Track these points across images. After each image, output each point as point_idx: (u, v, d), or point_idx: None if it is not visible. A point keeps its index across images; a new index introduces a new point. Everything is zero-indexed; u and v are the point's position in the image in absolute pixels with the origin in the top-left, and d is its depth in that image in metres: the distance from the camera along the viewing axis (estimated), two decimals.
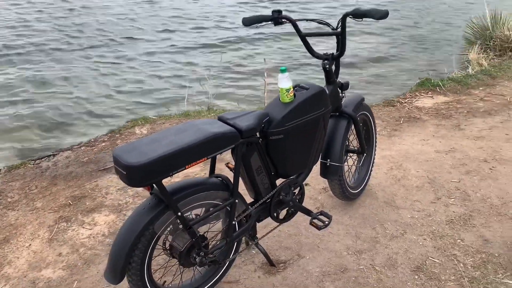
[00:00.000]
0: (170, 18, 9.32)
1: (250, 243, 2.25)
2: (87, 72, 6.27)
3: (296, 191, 2.22)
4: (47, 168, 3.34)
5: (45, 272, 2.26)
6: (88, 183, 3.09)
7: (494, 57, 6.05)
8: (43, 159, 3.50)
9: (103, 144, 3.71)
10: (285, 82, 1.95)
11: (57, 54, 7.03)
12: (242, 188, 2.02)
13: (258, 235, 2.19)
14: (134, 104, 5.23)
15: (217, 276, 2.05)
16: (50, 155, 3.57)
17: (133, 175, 1.47)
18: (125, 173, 1.47)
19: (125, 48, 7.32)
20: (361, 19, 1.99)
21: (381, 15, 1.89)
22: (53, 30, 8.39)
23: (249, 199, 2.10)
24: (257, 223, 2.13)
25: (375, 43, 7.49)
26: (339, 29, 2.11)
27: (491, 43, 6.27)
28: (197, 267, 1.92)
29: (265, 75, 4.95)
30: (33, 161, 3.48)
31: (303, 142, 2.07)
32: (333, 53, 2.20)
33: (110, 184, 3.05)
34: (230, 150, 1.79)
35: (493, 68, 5.33)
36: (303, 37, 2.23)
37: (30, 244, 2.48)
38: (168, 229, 1.73)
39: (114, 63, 6.64)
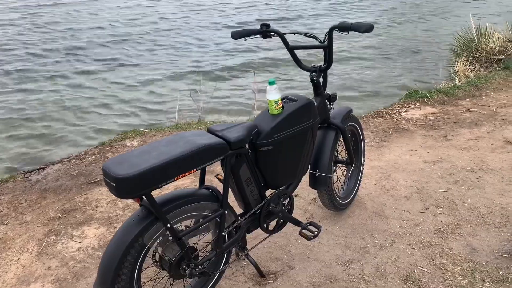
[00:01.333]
0: (160, 31, 9.37)
1: (240, 254, 2.26)
2: (77, 84, 6.27)
3: (286, 202, 2.24)
4: (37, 181, 3.33)
5: (34, 286, 2.25)
6: (78, 196, 3.08)
7: (480, 68, 6.16)
8: (32, 172, 3.49)
9: (93, 156, 3.71)
10: (273, 94, 1.98)
11: (47, 66, 7.03)
12: (231, 199, 2.03)
13: (248, 246, 2.19)
14: (124, 117, 5.24)
15: None
16: (39, 168, 3.55)
17: (122, 187, 1.48)
18: (114, 185, 1.48)
19: (116, 60, 7.34)
20: (347, 32, 2.04)
21: (366, 28, 1.94)
22: (42, 39, 8.39)
23: (238, 210, 2.11)
24: (247, 234, 2.14)
25: (363, 55, 7.59)
26: (326, 42, 2.16)
27: (477, 55, 6.40)
28: (187, 279, 1.92)
29: (255, 87, 5.00)
30: (23, 174, 3.47)
31: (292, 153, 2.09)
32: (320, 65, 2.24)
33: (100, 197, 3.04)
34: (220, 161, 1.81)
35: (479, 80, 5.42)
36: (290, 49, 2.27)
37: (19, 258, 2.47)
38: (158, 240, 1.73)
39: (105, 76, 6.65)
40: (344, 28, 2.00)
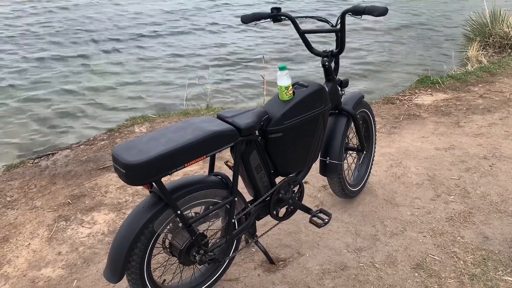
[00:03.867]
0: (165, 17, 9.30)
1: (250, 241, 2.25)
2: (85, 71, 6.26)
3: (296, 189, 2.22)
4: (46, 167, 3.34)
5: (45, 271, 2.26)
6: (87, 182, 3.08)
7: (493, 54, 6.05)
8: (42, 158, 3.50)
9: (102, 142, 3.71)
10: (284, 80, 1.94)
11: (55, 51, 7.01)
12: (241, 186, 2.02)
13: (258, 233, 2.18)
14: (133, 103, 5.22)
15: (217, 274, 2.05)
16: (49, 154, 3.56)
17: (132, 173, 1.46)
18: (124, 171, 1.47)
19: (125, 47, 7.31)
20: (360, 16, 1.98)
21: (380, 12, 1.88)
22: (53, 22, 8.37)
23: (248, 197, 2.09)
24: (256, 221, 2.12)
25: (374, 40, 7.47)
26: (338, 26, 2.11)
27: (490, 40, 6.27)
28: (197, 265, 1.92)
29: (264, 72, 4.95)
30: (32, 160, 3.48)
31: (303, 140, 2.06)
32: (332, 50, 2.19)
33: (109, 183, 3.05)
34: (229, 148, 1.78)
35: (492, 65, 5.32)
36: (302, 34, 2.22)
37: (29, 243, 2.48)
38: (168, 227, 1.73)
39: (113, 62, 6.63)
40: (358, 11, 1.95)
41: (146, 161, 1.46)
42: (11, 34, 7.98)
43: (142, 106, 5.10)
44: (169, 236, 1.80)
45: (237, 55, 6.88)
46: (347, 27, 2.15)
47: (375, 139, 2.81)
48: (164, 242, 1.80)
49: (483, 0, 6.95)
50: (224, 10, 9.89)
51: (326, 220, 2.18)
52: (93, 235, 2.52)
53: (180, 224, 1.72)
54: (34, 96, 5.41)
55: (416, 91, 4.66)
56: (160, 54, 6.93)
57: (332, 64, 2.23)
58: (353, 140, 2.65)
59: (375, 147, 2.82)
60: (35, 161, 3.45)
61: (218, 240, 1.93)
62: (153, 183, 1.57)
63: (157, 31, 8.23)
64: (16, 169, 3.33)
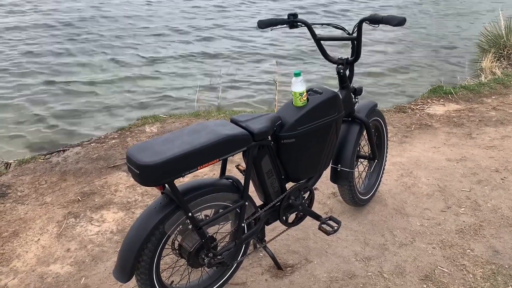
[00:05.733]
0: (176, 16, 9.35)
1: (258, 246, 2.25)
2: (98, 70, 6.30)
3: (306, 195, 2.21)
4: (57, 163, 3.36)
5: (53, 267, 2.27)
6: (97, 180, 3.10)
7: (508, 66, 5.99)
8: (53, 154, 3.52)
9: (113, 141, 3.73)
10: (298, 86, 1.94)
11: (69, 50, 7.08)
12: (251, 191, 2.02)
13: (266, 238, 2.18)
14: (144, 102, 5.25)
15: (224, 278, 2.05)
16: (60, 150, 3.59)
17: (146, 174, 1.47)
18: (138, 172, 1.47)
19: (137, 46, 7.36)
20: (377, 25, 1.98)
21: (398, 21, 1.88)
22: (68, 23, 8.45)
23: (258, 201, 2.09)
24: (265, 226, 2.12)
25: (387, 49, 7.45)
26: (355, 34, 2.10)
27: (505, 52, 6.22)
28: (205, 268, 1.92)
29: (276, 77, 4.95)
30: (43, 156, 3.50)
31: (315, 147, 2.06)
32: (347, 58, 2.19)
33: (119, 182, 3.06)
34: (241, 152, 1.79)
35: (507, 77, 5.27)
36: (318, 41, 2.22)
37: (39, 239, 2.50)
38: (178, 229, 1.73)
39: (124, 61, 6.67)
40: (375, 20, 1.95)
41: (160, 163, 1.47)
42: (26, 24, 8.07)
43: (153, 106, 5.12)
44: (179, 237, 1.80)
45: (250, 56, 6.89)
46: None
47: (387, 148, 2.79)
48: (173, 243, 1.81)
49: (499, 12, 6.90)
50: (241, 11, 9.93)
51: (336, 227, 2.17)
52: (102, 233, 2.53)
53: (190, 226, 1.72)
54: (46, 92, 5.46)
55: (429, 100, 4.63)
56: (171, 54, 6.96)
57: (347, 72, 2.23)
58: (365, 148, 2.64)
59: (386, 156, 2.81)
60: (46, 157, 3.48)
61: (227, 244, 1.93)
62: (166, 185, 1.58)
63: (167, 32, 8.28)
64: (28, 165, 3.36)
